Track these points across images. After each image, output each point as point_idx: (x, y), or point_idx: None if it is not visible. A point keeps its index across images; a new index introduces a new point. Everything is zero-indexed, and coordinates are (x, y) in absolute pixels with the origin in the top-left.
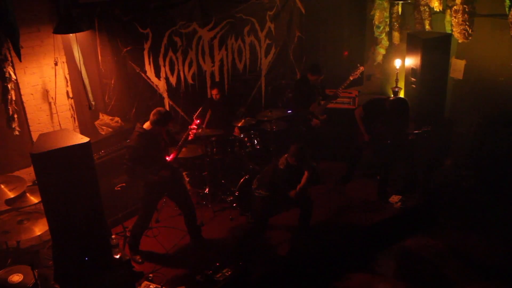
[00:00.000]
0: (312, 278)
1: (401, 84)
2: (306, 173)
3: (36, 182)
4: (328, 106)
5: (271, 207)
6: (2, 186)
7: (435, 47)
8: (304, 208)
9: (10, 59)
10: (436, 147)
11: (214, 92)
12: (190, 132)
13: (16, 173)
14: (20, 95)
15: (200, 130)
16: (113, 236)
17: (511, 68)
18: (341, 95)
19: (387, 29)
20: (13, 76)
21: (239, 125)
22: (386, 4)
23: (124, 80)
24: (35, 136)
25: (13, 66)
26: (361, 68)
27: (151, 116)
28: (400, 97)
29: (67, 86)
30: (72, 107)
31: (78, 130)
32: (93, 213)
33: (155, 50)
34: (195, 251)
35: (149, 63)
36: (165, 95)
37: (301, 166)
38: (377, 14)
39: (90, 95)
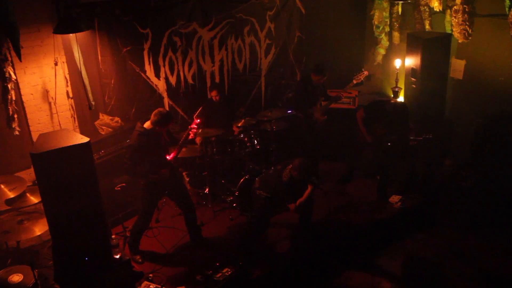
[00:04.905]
0: (312, 278)
1: (401, 84)
2: (309, 188)
3: (36, 182)
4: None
5: (272, 208)
6: (2, 186)
7: (435, 47)
8: (303, 216)
9: (10, 59)
10: (436, 147)
11: (214, 93)
12: (191, 132)
13: (16, 174)
14: (20, 95)
15: (200, 130)
16: (113, 236)
17: (511, 68)
18: (343, 97)
19: (387, 29)
20: (13, 76)
21: (239, 125)
22: (386, 4)
23: (124, 80)
24: (35, 136)
25: (13, 66)
26: (366, 72)
27: (152, 116)
28: (401, 102)
29: (67, 86)
30: (72, 107)
31: (78, 130)
32: (93, 213)
33: (155, 50)
34: (195, 251)
35: (149, 63)
36: (164, 95)
37: (304, 180)
38: (377, 14)
39: (90, 95)
